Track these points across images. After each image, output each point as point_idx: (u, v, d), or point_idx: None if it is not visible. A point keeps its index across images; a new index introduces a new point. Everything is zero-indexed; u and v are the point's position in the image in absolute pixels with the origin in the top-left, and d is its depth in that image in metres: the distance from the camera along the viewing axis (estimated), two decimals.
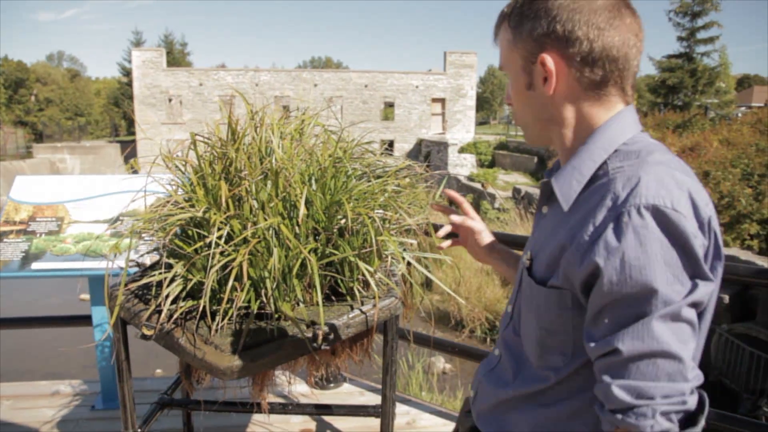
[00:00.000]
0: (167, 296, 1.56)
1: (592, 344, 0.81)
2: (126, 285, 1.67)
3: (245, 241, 1.56)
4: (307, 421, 2.77)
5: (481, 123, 53.69)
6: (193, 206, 1.63)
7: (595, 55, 0.87)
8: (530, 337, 0.97)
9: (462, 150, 27.96)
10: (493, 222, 17.97)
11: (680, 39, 28.10)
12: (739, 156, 12.00)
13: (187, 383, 1.89)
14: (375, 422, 2.78)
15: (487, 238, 1.36)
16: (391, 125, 32.54)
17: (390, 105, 33.80)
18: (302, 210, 1.53)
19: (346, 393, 3.12)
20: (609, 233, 0.78)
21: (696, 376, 0.78)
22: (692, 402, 0.77)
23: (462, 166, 26.40)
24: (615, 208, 0.79)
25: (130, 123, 41.12)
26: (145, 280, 1.59)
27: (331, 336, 1.60)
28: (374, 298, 1.78)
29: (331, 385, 3.19)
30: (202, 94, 30.45)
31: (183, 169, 1.78)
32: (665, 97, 28.82)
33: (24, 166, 28.67)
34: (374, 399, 3.10)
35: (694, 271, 0.77)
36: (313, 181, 1.73)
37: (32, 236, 2.71)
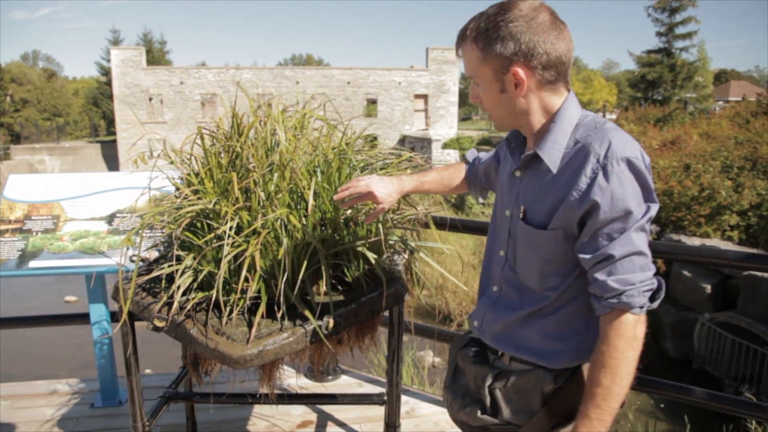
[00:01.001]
0: (178, 288, 1.58)
1: (588, 256, 1.16)
2: (133, 276, 1.68)
3: (255, 232, 1.58)
4: (308, 413, 2.80)
5: (463, 119, 53.88)
6: (201, 199, 1.65)
7: (550, 62, 1.19)
8: (531, 269, 1.28)
9: (445, 146, 28.08)
10: (479, 216, 18.09)
11: (659, 34, 28.49)
12: (719, 149, 12.23)
13: (195, 375, 1.91)
14: (375, 412, 2.81)
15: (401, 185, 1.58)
16: (374, 121, 32.55)
17: (373, 101, 33.79)
18: (311, 201, 1.56)
19: (345, 385, 3.15)
20: (600, 178, 1.12)
21: (652, 267, 1.16)
22: (655, 283, 1.15)
23: (445, 161, 26.51)
24: (600, 161, 1.13)
25: (110, 123, 40.55)
26: (156, 273, 1.61)
27: (341, 323, 1.63)
28: (380, 286, 1.82)
29: (329, 377, 3.22)
30: (183, 92, 30.16)
31: (189, 162, 1.79)
32: (645, 91, 29.20)
33: (1, 167, 28.22)
34: (373, 389, 3.13)
35: (649, 197, 1.14)
36: (318, 173, 1.76)
37: (28, 235, 2.69)
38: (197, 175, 1.71)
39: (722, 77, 63.82)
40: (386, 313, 1.94)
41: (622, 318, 1.14)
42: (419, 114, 34.39)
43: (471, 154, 1.72)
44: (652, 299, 1.15)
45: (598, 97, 43.59)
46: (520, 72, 1.18)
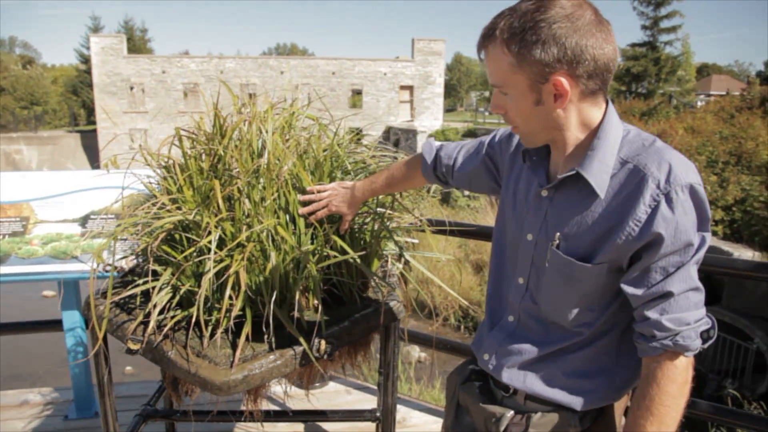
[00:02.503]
0: (155, 306, 1.43)
1: (641, 292, 1.03)
2: (108, 293, 1.53)
3: (240, 245, 1.44)
4: (294, 424, 2.67)
5: (448, 110, 53.72)
6: (180, 208, 1.50)
7: (597, 70, 1.01)
8: (562, 304, 1.13)
9: (431, 137, 27.94)
10: (464, 209, 18.01)
11: (644, 28, 28.57)
12: (704, 144, 12.25)
13: (175, 395, 1.77)
14: (362, 426, 2.70)
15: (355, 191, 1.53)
16: (359, 113, 32.31)
17: (358, 92, 33.53)
18: (302, 210, 1.42)
19: (333, 392, 3.02)
20: (663, 208, 0.98)
21: (704, 305, 1.04)
22: (709, 322, 1.04)
23: None
24: (661, 188, 0.98)
25: (90, 112, 39.77)
26: (129, 291, 1.46)
27: (334, 344, 1.50)
28: (374, 301, 1.69)
29: (317, 384, 3.09)
30: (166, 82, 29.61)
31: (167, 166, 1.64)
32: (629, 85, 29.30)
33: None
34: (362, 397, 3.01)
35: (704, 227, 1.02)
36: (309, 178, 1.62)
37: None
38: (176, 182, 1.55)
39: (704, 71, 64.44)
40: None
41: (675, 361, 1.02)
42: (404, 105, 34.23)
43: (428, 147, 1.51)
44: (705, 342, 1.04)
45: None
46: (564, 82, 1.00)
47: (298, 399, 2.84)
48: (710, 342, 1.04)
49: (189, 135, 1.62)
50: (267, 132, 1.60)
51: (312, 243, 1.58)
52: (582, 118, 1.07)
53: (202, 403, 2.04)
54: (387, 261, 1.78)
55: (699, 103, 25.14)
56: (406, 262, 1.84)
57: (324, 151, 1.68)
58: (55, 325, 2.77)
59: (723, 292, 9.72)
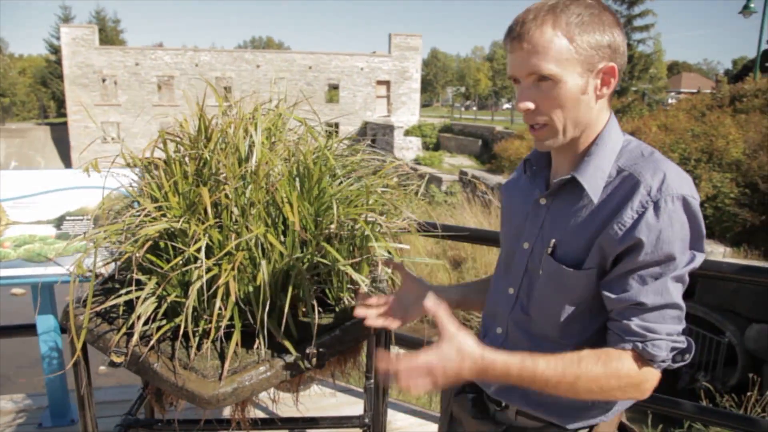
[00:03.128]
0: (139, 317, 1.38)
1: (614, 296, 1.01)
2: (87, 303, 1.47)
3: (228, 253, 1.40)
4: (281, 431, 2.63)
5: (424, 105, 53.81)
6: (164, 215, 1.45)
7: (623, 68, 1.03)
8: (552, 313, 1.10)
9: (407, 133, 27.95)
10: (441, 205, 18.05)
11: None
12: (677, 141, 12.45)
13: (158, 407, 1.71)
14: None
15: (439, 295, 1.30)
16: (335, 107, 32.14)
17: (335, 87, 33.37)
18: (296, 217, 1.37)
19: (318, 396, 2.99)
20: (649, 214, 0.96)
21: (683, 323, 1.01)
22: (683, 341, 1.01)
23: (408, 149, 26.40)
24: (651, 195, 0.97)
25: (60, 104, 38.81)
26: (112, 301, 1.40)
27: (325, 354, 1.46)
28: None
29: (301, 387, 3.05)
30: (139, 74, 29.05)
31: (149, 171, 1.58)
32: None
33: None
34: (346, 399, 2.99)
35: (697, 245, 0.99)
36: (297, 183, 1.58)
37: None
38: (160, 188, 1.49)
39: (674, 69, 65.68)
40: None
41: (634, 363, 0.99)
42: (381, 100, 34.20)
43: None
44: (674, 359, 1.01)
45: None
46: (616, 68, 1.01)
47: (282, 403, 2.80)
48: (681, 364, 1.02)
49: (173, 138, 1.55)
50: (255, 135, 1.55)
51: (302, 250, 1.53)
52: (598, 120, 1.06)
53: (186, 410, 1.98)
54: (377, 266, 1.74)
55: (670, 101, 25.59)
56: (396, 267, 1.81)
57: (313, 155, 1.63)
58: (29, 329, 2.68)
59: (696, 288, 9.92)
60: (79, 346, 1.41)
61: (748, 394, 4.42)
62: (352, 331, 1.56)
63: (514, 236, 1.20)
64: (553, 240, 1.09)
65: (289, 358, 1.43)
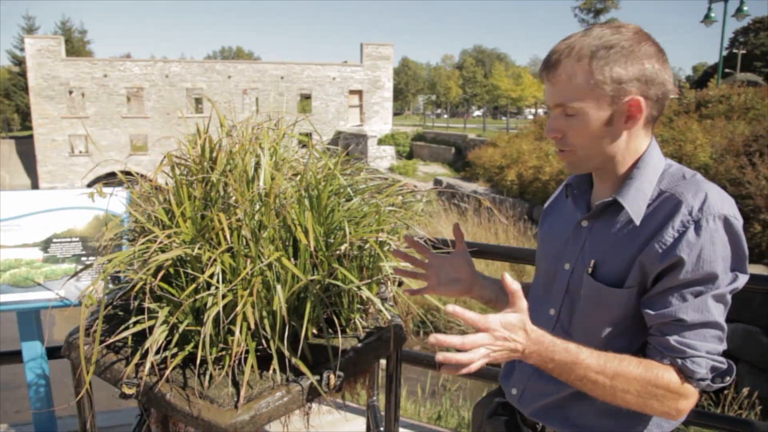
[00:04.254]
0: (150, 346, 1.34)
1: (653, 313, 1.02)
2: (96, 333, 1.42)
3: (244, 279, 1.37)
4: None
5: (395, 114, 53.99)
6: (174, 241, 1.41)
7: (663, 97, 1.05)
8: (594, 332, 1.11)
9: (380, 142, 28.01)
10: (418, 214, 18.05)
11: None
12: None
13: None
14: None
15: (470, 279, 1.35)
16: (308, 117, 32.04)
17: (307, 97, 33.28)
18: (311, 239, 1.36)
19: (313, 413, 2.94)
20: (690, 233, 0.98)
21: (725, 344, 1.02)
22: (724, 361, 1.01)
23: (382, 158, 26.44)
24: (692, 214, 0.99)
25: (25, 117, 37.89)
26: (126, 333, 1.36)
27: (342, 378, 1.44)
28: (376, 328, 1.65)
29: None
30: (107, 86, 28.52)
31: (156, 195, 1.55)
32: None
33: None
34: (344, 417, 2.95)
35: (739, 266, 1.00)
36: (307, 203, 1.56)
37: None
38: (168, 212, 1.46)
39: None
40: None
41: (674, 377, 1.00)
42: (354, 110, 34.24)
43: None
44: (714, 380, 1.01)
45: (528, 93, 44.80)
46: (641, 102, 1.02)
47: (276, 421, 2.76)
48: (720, 385, 1.02)
49: (181, 161, 1.52)
50: (263, 157, 1.53)
51: (313, 273, 1.52)
52: (635, 146, 1.08)
53: None
54: (386, 285, 1.73)
55: None
56: (400, 284, 1.80)
57: (319, 174, 1.62)
58: (13, 356, 2.59)
59: None
60: (88, 378, 1.36)
61: (725, 392, 4.52)
62: (366, 351, 1.55)
63: (555, 257, 1.21)
64: (593, 260, 1.11)
65: (306, 383, 1.41)
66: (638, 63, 1.01)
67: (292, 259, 1.51)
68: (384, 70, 34.01)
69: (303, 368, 1.38)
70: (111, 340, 1.34)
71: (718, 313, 1.00)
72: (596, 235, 1.13)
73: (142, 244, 1.36)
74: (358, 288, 1.54)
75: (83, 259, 2.41)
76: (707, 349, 1.00)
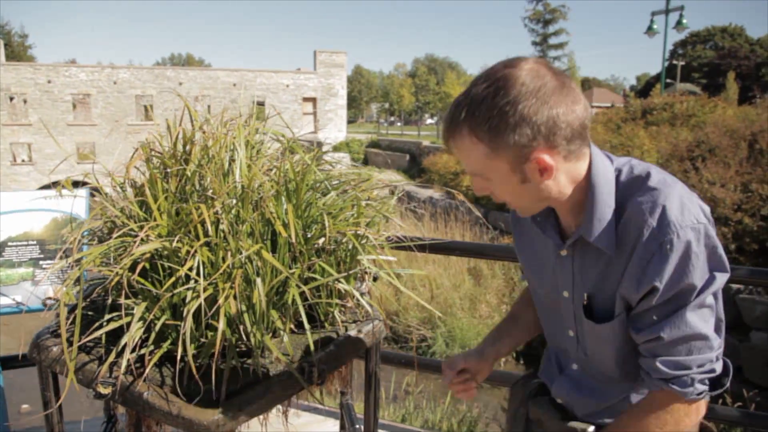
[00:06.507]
0: (126, 345, 1.29)
1: (636, 333, 1.04)
2: (75, 331, 1.37)
3: (224, 272, 1.34)
4: None
5: (349, 122, 54.08)
6: (149, 235, 1.37)
7: (574, 132, 0.98)
8: (606, 357, 1.14)
9: (335, 149, 27.99)
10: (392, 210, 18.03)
11: (534, 44, 30.34)
12: None
13: None
14: None
15: (485, 359, 1.38)
16: (263, 125, 31.70)
17: (260, 104, 32.94)
18: (293, 230, 1.34)
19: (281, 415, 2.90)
20: (657, 260, 0.96)
21: (719, 345, 1.01)
22: (719, 367, 1.02)
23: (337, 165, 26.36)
24: (656, 238, 0.96)
25: None
26: (101, 331, 1.31)
27: (324, 370, 1.43)
28: (354, 322, 1.64)
29: None
30: (52, 92, 27.47)
31: (123, 190, 1.50)
32: None
33: None
34: (312, 419, 2.92)
35: (717, 266, 0.98)
36: (283, 198, 1.54)
37: None
38: (142, 205, 1.42)
39: (585, 84, 69.48)
40: None
41: (670, 402, 1.03)
42: (308, 117, 34.09)
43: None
44: (713, 386, 1.03)
45: None
46: (546, 158, 0.97)
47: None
48: (720, 390, 1.03)
49: (156, 155, 1.48)
50: (239, 149, 1.50)
51: (293, 266, 1.50)
52: (571, 177, 1.04)
53: None
54: (363, 279, 1.73)
55: None
56: (375, 278, 1.80)
57: (297, 168, 1.61)
58: None
59: None
60: (68, 382, 1.30)
61: None
62: (346, 345, 1.54)
63: (551, 285, 1.21)
64: (586, 294, 1.12)
65: (287, 376, 1.39)
66: (531, 122, 0.94)
67: (271, 253, 1.49)
68: (338, 77, 34.03)
69: (285, 362, 1.36)
70: (86, 339, 1.28)
71: (698, 322, 0.99)
72: (580, 264, 1.12)
73: (117, 237, 1.32)
74: (336, 281, 1.53)
75: (41, 263, 2.31)
76: (695, 363, 1.00)
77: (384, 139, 28.90)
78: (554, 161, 0.99)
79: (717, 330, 1.02)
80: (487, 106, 0.96)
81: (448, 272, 10.35)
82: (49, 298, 1.87)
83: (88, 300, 1.64)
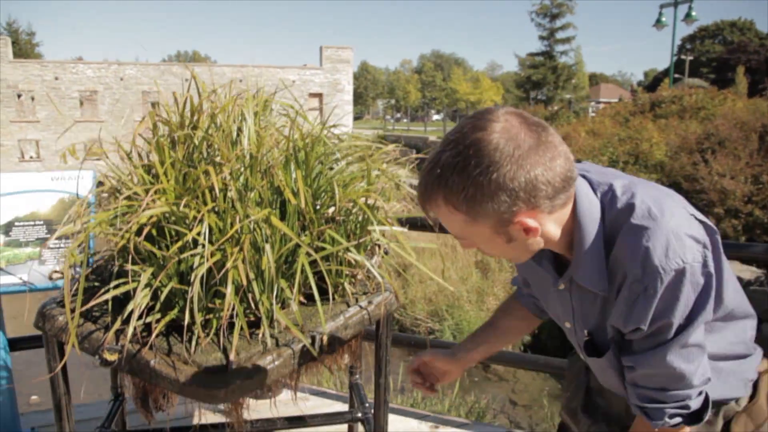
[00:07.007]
0: (133, 311, 1.27)
1: (622, 357, 1.05)
2: (78, 297, 1.34)
3: (233, 238, 1.32)
4: None
5: (356, 118, 54.07)
6: (158, 200, 1.35)
7: (557, 189, 0.92)
8: (617, 383, 1.13)
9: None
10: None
11: (541, 38, 30.19)
12: (605, 145, 13.08)
13: (144, 412, 1.58)
14: (326, 430, 2.58)
15: (456, 362, 1.38)
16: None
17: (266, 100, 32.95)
18: (302, 197, 1.31)
19: (289, 400, 2.88)
20: (641, 302, 0.94)
21: (703, 381, 1.00)
22: (696, 403, 1.01)
23: None
24: (639, 282, 0.93)
25: None
26: (105, 296, 1.28)
27: (336, 339, 1.40)
28: (364, 294, 1.61)
29: (269, 394, 2.93)
30: (59, 89, 27.55)
31: (130, 158, 1.48)
32: (528, 92, 30.84)
33: None
34: (321, 403, 2.90)
35: (701, 304, 0.94)
36: (292, 165, 1.51)
37: None
38: (149, 170, 1.40)
39: (593, 80, 69.20)
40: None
41: (649, 429, 1.05)
42: (314, 113, 34.01)
43: (515, 281, 1.45)
44: (691, 420, 1.01)
45: (486, 96, 45.49)
46: (529, 221, 0.93)
47: (257, 411, 2.68)
48: (697, 423, 1.02)
49: (162, 120, 1.46)
50: (248, 117, 1.48)
51: (303, 235, 1.47)
52: (559, 222, 0.99)
53: (172, 420, 1.85)
54: (373, 254, 1.70)
55: (591, 112, 26.89)
56: (386, 253, 1.77)
57: (304, 137, 1.58)
58: None
59: None
60: (69, 347, 1.27)
61: None
62: (356, 316, 1.51)
63: (553, 313, 1.23)
64: (586, 330, 1.13)
65: (297, 346, 1.36)
66: (511, 185, 0.89)
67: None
68: (344, 73, 33.98)
69: (295, 331, 1.33)
70: (92, 303, 1.26)
71: (679, 360, 0.97)
72: (577, 300, 1.10)
73: (124, 201, 1.30)
74: (347, 251, 1.50)
75: (48, 243, 2.29)
76: (670, 399, 1.00)
77: (390, 134, 28.87)
78: (538, 221, 0.94)
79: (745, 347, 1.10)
80: (459, 176, 0.90)
81: (456, 266, 10.32)
82: (56, 272, 1.84)
83: (95, 274, 1.62)
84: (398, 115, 68.45)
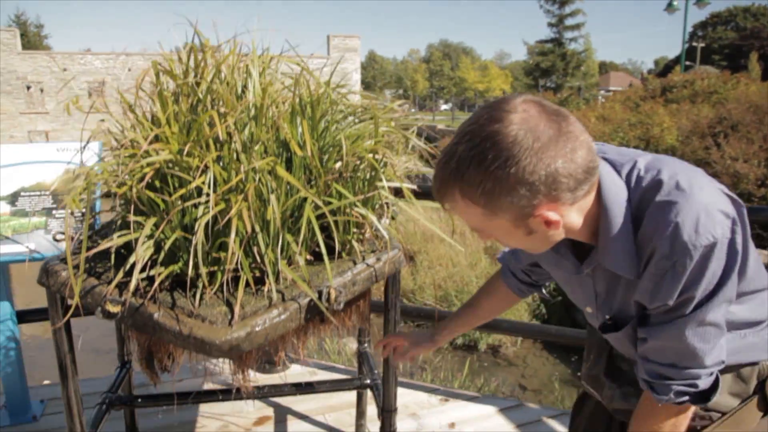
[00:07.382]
0: (135, 263, 1.24)
1: (639, 328, 1.03)
2: (83, 245, 1.32)
3: (237, 187, 1.28)
4: (264, 408, 2.50)
5: None
6: (160, 150, 1.32)
7: (579, 181, 0.88)
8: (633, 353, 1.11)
9: None
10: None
11: (550, 25, 29.89)
12: (616, 130, 12.94)
13: (150, 373, 1.56)
14: (337, 400, 2.57)
15: (435, 344, 1.50)
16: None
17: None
18: (308, 148, 1.28)
19: (298, 374, 2.86)
20: (669, 279, 0.91)
21: (715, 363, 0.97)
22: (705, 383, 0.98)
23: None
24: (668, 258, 0.89)
25: None
26: (106, 245, 1.25)
27: (342, 293, 1.37)
28: (372, 252, 1.58)
29: (278, 368, 2.92)
30: (68, 80, 27.69)
31: (133, 109, 1.44)
32: (538, 79, 30.59)
33: None
34: (328, 376, 2.88)
35: (724, 279, 0.91)
36: (299, 119, 1.48)
37: None
38: (153, 119, 1.36)
39: (602, 68, 68.55)
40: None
41: (654, 405, 1.04)
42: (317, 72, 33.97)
43: (500, 256, 1.43)
44: (697, 399, 0.99)
45: (495, 84, 45.20)
46: (550, 215, 0.89)
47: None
48: (703, 404, 1.00)
49: (164, 70, 1.42)
50: (253, 70, 1.44)
51: (310, 189, 1.44)
52: (581, 211, 0.95)
53: (177, 383, 1.84)
54: (382, 215, 1.66)
55: (600, 100, 26.64)
56: (394, 217, 1.74)
57: (314, 92, 1.54)
58: None
59: None
60: (76, 297, 1.25)
61: None
62: (364, 272, 1.48)
63: (573, 296, 1.20)
64: (607, 315, 1.10)
65: (304, 301, 1.33)
66: (530, 179, 0.85)
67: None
68: (351, 62, 33.82)
69: (301, 284, 1.30)
70: (94, 251, 1.23)
71: (696, 339, 0.95)
72: (600, 283, 1.08)
73: (126, 150, 1.26)
74: (354, 206, 1.47)
75: (54, 212, 2.28)
76: (678, 376, 0.99)
77: (397, 122, 28.74)
78: (559, 213, 0.91)
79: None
80: (476, 170, 0.86)
81: (465, 251, 10.28)
82: (60, 232, 1.82)
83: (98, 235, 1.59)
84: (406, 105, 68.15)
